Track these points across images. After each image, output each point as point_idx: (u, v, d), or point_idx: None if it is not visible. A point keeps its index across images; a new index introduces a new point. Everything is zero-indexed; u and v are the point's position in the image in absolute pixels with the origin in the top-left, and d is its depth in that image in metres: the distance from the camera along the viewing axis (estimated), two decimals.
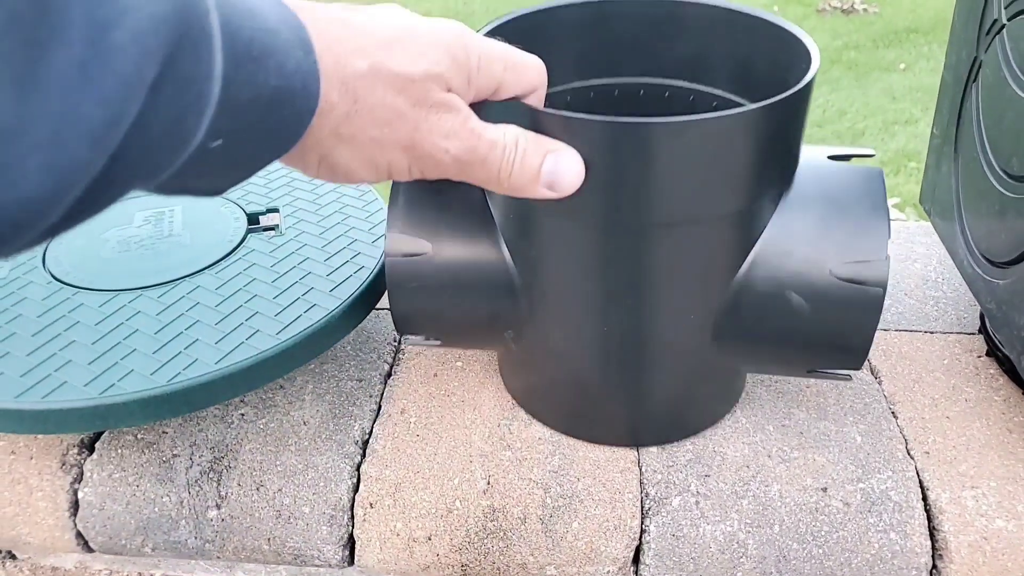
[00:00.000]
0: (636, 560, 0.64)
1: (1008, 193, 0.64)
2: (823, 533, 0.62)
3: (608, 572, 0.64)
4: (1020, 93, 0.63)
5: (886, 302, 0.84)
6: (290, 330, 0.63)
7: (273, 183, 0.83)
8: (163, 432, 0.68)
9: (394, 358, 0.77)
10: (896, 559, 0.62)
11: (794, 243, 0.58)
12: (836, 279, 0.58)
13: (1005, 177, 0.65)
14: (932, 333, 0.81)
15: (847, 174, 0.60)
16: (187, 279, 0.69)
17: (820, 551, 0.62)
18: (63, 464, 0.66)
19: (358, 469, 0.66)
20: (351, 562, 0.67)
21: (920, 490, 0.64)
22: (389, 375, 0.75)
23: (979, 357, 0.77)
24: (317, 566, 0.67)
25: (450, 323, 0.64)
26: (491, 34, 0.60)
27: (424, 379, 0.74)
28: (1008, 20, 0.65)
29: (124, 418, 0.58)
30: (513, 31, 0.63)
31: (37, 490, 0.66)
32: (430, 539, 0.64)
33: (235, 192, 0.82)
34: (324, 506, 0.64)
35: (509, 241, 0.60)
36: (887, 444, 0.68)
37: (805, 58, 0.57)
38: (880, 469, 0.65)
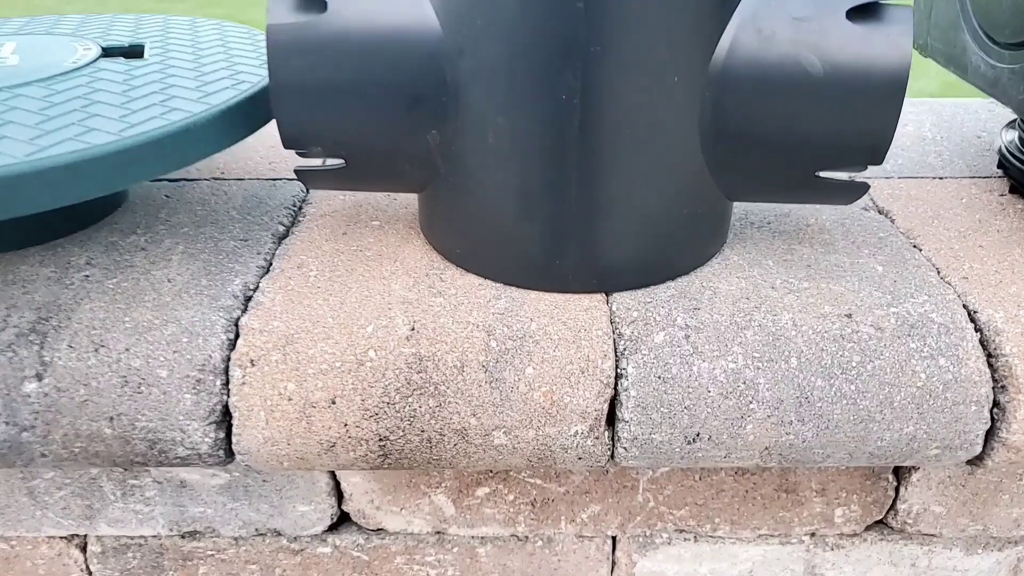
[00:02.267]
0: (612, 419, 0.48)
1: None
2: (854, 364, 0.47)
3: (576, 433, 0.48)
4: None
5: None
6: (136, 130, 0.47)
7: (144, 26, 0.68)
8: None
9: (292, 221, 0.61)
10: (949, 391, 0.47)
11: None
12: (852, 26, 0.45)
13: None
14: (942, 179, 0.68)
15: None
16: (3, 90, 0.52)
17: (852, 387, 0.47)
18: None
19: (236, 324, 0.49)
20: (228, 451, 0.49)
21: (966, 312, 0.50)
22: (284, 237, 0.59)
23: (1002, 195, 0.65)
24: (183, 459, 0.49)
25: (355, 120, 0.49)
26: None
27: (330, 237, 0.58)
28: None
29: None
30: None
31: None
32: (334, 402, 0.47)
33: (95, 32, 0.66)
34: (188, 367, 0.47)
35: None
36: (915, 272, 0.54)
37: None
38: (913, 295, 0.51)
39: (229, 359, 0.47)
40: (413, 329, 0.48)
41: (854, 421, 0.48)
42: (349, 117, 0.49)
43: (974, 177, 0.68)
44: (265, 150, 0.73)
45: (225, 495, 0.59)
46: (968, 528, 0.62)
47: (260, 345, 0.48)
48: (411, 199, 0.64)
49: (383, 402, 0.47)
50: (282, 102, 0.48)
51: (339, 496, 0.60)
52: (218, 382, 0.47)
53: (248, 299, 0.51)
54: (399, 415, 0.47)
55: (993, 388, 0.48)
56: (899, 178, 0.68)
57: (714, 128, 0.47)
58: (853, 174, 0.53)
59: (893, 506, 0.62)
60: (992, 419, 0.48)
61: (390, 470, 0.51)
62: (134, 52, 0.61)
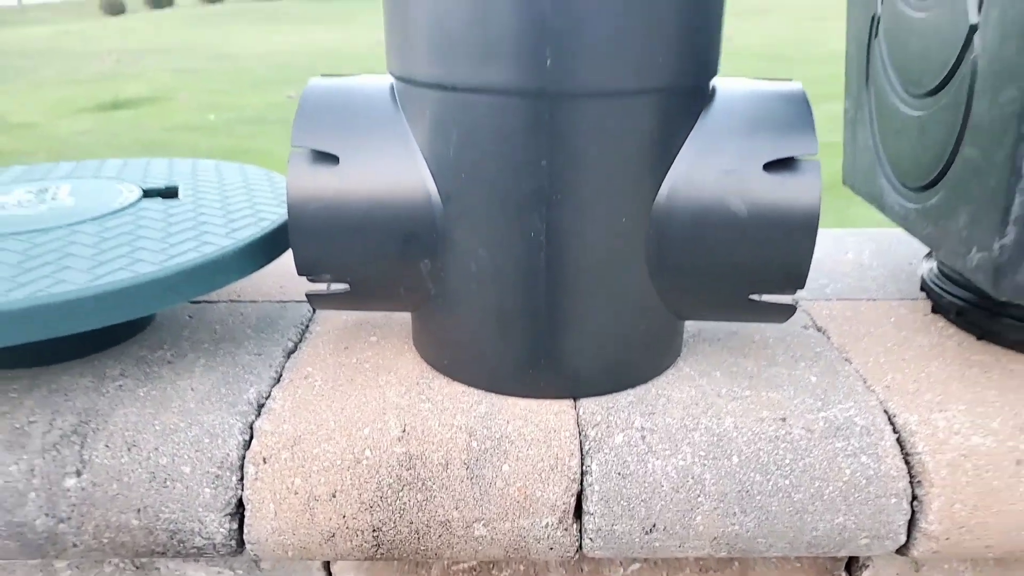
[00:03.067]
0: (579, 510, 0.55)
1: (918, 112, 0.64)
2: (787, 462, 0.55)
3: (547, 525, 0.54)
4: (916, 15, 0.64)
5: (822, 280, 0.81)
6: (177, 260, 0.56)
7: (177, 169, 0.78)
8: (21, 403, 0.58)
9: (300, 337, 0.69)
10: (871, 485, 0.54)
11: (722, 141, 0.55)
12: (769, 176, 0.55)
13: (915, 99, 0.64)
14: (874, 300, 0.77)
15: (770, 87, 0.59)
16: (64, 228, 0.61)
17: (786, 481, 0.54)
18: None
19: (251, 427, 0.56)
20: (240, 543, 0.56)
21: (886, 415, 0.58)
22: (293, 351, 0.67)
23: (925, 315, 0.73)
24: (199, 549, 0.55)
25: (359, 252, 0.58)
26: None
27: (334, 352, 0.66)
28: None
29: None
30: None
31: None
32: (335, 496, 0.54)
33: (136, 176, 0.76)
34: (208, 464, 0.54)
35: (424, 146, 0.56)
36: (844, 382, 0.62)
37: None
38: (840, 401, 0.59)
39: (244, 457, 0.55)
40: (404, 431, 0.55)
41: (790, 512, 0.54)
42: (354, 251, 0.58)
43: (903, 299, 0.77)
44: (276, 276, 0.82)
45: None
46: None
47: (271, 445, 0.55)
48: (405, 317, 0.72)
49: (377, 496, 0.54)
50: (299, 239, 0.58)
51: None
52: (234, 478, 0.54)
53: (261, 405, 0.59)
54: (391, 508, 0.54)
55: (911, 482, 0.55)
56: (838, 300, 0.77)
57: (659, 259, 0.56)
58: (785, 297, 0.61)
59: None
60: (912, 511, 0.55)
61: (381, 560, 0.57)
62: (170, 193, 0.72)
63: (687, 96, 0.55)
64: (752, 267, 0.57)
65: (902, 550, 0.57)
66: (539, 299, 0.56)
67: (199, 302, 0.76)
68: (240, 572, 0.64)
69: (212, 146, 4.63)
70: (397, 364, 0.64)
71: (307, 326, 0.72)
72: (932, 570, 0.65)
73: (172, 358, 0.65)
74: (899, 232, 0.91)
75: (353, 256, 0.58)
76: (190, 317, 0.73)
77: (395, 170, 0.56)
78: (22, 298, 0.50)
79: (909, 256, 0.87)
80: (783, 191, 0.55)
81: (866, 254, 0.89)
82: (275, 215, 0.66)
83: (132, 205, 0.67)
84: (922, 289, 0.75)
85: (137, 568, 0.64)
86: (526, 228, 0.54)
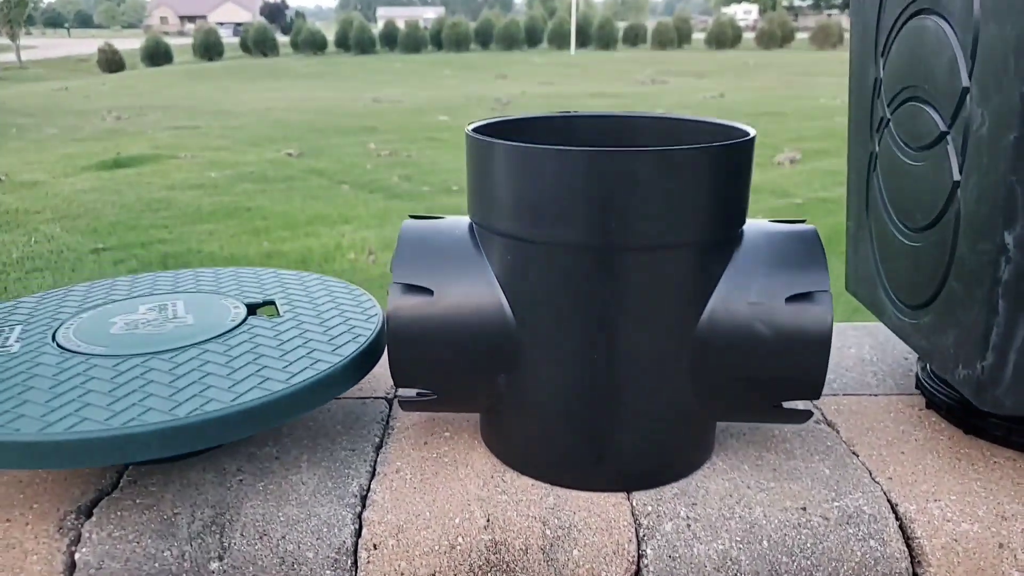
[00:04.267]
0: None
1: (913, 243, 0.76)
2: (808, 545, 0.66)
3: None
4: (909, 163, 0.77)
5: (829, 376, 0.93)
6: (298, 377, 0.67)
7: (265, 280, 0.90)
8: (162, 496, 0.69)
9: (383, 433, 0.81)
10: (879, 565, 0.65)
11: (750, 280, 0.68)
12: (789, 307, 0.67)
13: (909, 231, 0.77)
14: (875, 396, 0.89)
15: (788, 231, 0.71)
16: (195, 346, 0.73)
17: (808, 562, 0.65)
18: (60, 528, 0.66)
19: (359, 517, 0.67)
20: None
21: (889, 505, 0.69)
22: (380, 446, 0.78)
23: (920, 410, 0.85)
24: None
25: (447, 368, 0.70)
26: (479, 131, 0.72)
27: (415, 446, 0.78)
28: (891, 114, 0.81)
29: (142, 450, 0.60)
30: (497, 131, 0.75)
31: (32, 553, 0.64)
32: (435, 574, 0.65)
33: (231, 288, 0.88)
34: (328, 550, 0.65)
35: (503, 280, 0.68)
36: (853, 473, 0.73)
37: (744, 134, 0.71)
38: (851, 491, 0.70)
39: (357, 544, 0.65)
40: (488, 521, 0.66)
41: None
42: (443, 367, 0.70)
43: (900, 394, 0.89)
44: None
45: None
46: None
47: (379, 533, 0.66)
48: (473, 415, 0.83)
49: None
50: (398, 360, 0.69)
51: None
52: (349, 561, 0.65)
53: (364, 497, 0.70)
54: None
55: (912, 562, 0.66)
56: (844, 395, 0.89)
57: (700, 374, 0.68)
58: (802, 403, 0.73)
59: None
60: None
61: None
62: (268, 304, 0.83)
63: (721, 244, 0.67)
64: (776, 380, 0.68)
65: None
66: (598, 407, 0.68)
67: None
68: None
69: (214, 203, 4.77)
70: (471, 458, 0.75)
71: (387, 422, 0.83)
72: None
73: (278, 454, 0.76)
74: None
75: (442, 370, 0.70)
76: None
77: (478, 301, 0.68)
78: (183, 416, 0.61)
79: (904, 351, 1.00)
80: (801, 319, 0.67)
81: (867, 349, 1.01)
82: (367, 330, 0.77)
83: (243, 323, 0.79)
84: (917, 387, 0.87)
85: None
86: (588, 350, 0.66)
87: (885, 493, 0.70)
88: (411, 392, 0.75)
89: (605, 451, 0.70)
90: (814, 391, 0.69)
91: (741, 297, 0.67)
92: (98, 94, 12.81)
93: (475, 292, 0.69)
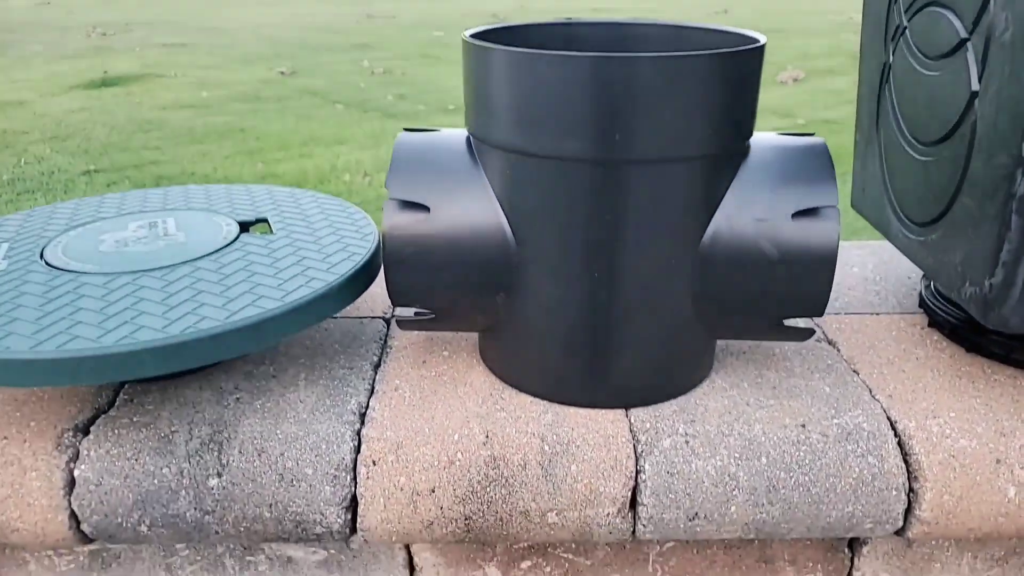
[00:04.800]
0: (633, 503, 0.66)
1: (923, 158, 0.74)
2: (807, 462, 0.66)
3: (608, 514, 0.66)
4: (924, 73, 0.74)
5: (832, 294, 0.92)
6: (293, 295, 0.66)
7: (257, 197, 0.88)
8: (159, 414, 0.69)
9: (382, 352, 0.80)
10: (876, 481, 0.66)
11: (757, 193, 0.66)
12: (795, 223, 0.66)
13: (921, 146, 0.75)
14: (877, 314, 0.88)
15: (796, 144, 0.69)
16: (187, 264, 0.71)
17: (806, 478, 0.66)
18: (58, 445, 0.66)
19: (358, 434, 0.67)
20: (353, 528, 0.67)
21: (888, 422, 0.69)
22: (378, 365, 0.77)
23: (922, 329, 0.85)
24: (318, 535, 0.66)
25: (445, 287, 0.69)
26: (478, 35, 0.69)
27: (414, 365, 0.77)
28: (908, 21, 0.77)
29: (136, 367, 0.59)
30: (496, 39, 0.72)
31: (31, 470, 0.64)
32: (434, 491, 0.65)
33: (223, 205, 0.86)
34: (327, 466, 0.65)
35: (501, 195, 0.66)
36: (853, 391, 0.73)
37: (754, 41, 0.68)
38: (850, 409, 0.70)
39: (356, 460, 0.65)
40: (487, 437, 0.66)
41: (809, 503, 0.66)
42: (441, 286, 0.68)
43: (903, 313, 0.88)
44: None
45: (322, 569, 0.76)
46: None
47: (379, 450, 0.66)
48: (471, 334, 0.83)
49: (468, 491, 0.65)
50: (394, 278, 0.68)
51: (411, 568, 0.76)
52: (348, 477, 0.65)
53: (363, 415, 0.69)
54: (480, 500, 0.65)
55: (908, 478, 0.66)
56: (845, 314, 0.88)
57: (702, 291, 0.67)
58: (805, 320, 0.72)
59: (850, 574, 0.79)
60: (909, 500, 0.67)
61: (469, 543, 0.68)
62: (261, 221, 0.81)
63: (728, 157, 0.65)
64: (780, 298, 0.67)
65: (899, 532, 0.68)
66: (599, 326, 0.67)
67: None
68: (332, 551, 0.75)
69: (207, 124, 4.68)
70: (470, 377, 0.75)
71: (386, 341, 0.82)
72: (922, 546, 0.77)
73: (276, 372, 0.75)
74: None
75: (440, 290, 0.69)
76: None
77: (477, 218, 0.67)
78: (177, 333, 0.60)
79: (908, 270, 0.98)
80: (807, 236, 0.65)
81: (870, 267, 1.00)
82: (362, 248, 0.76)
83: (236, 240, 0.77)
84: (920, 305, 0.87)
85: (245, 548, 0.75)
86: (590, 268, 0.65)
87: (884, 410, 0.70)
88: (409, 312, 0.74)
89: (604, 368, 0.69)
90: (818, 309, 0.68)
91: (747, 213, 0.66)
92: (81, 7, 12.42)
93: (473, 209, 0.67)
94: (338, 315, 0.87)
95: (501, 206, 0.67)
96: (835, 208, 0.67)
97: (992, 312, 0.65)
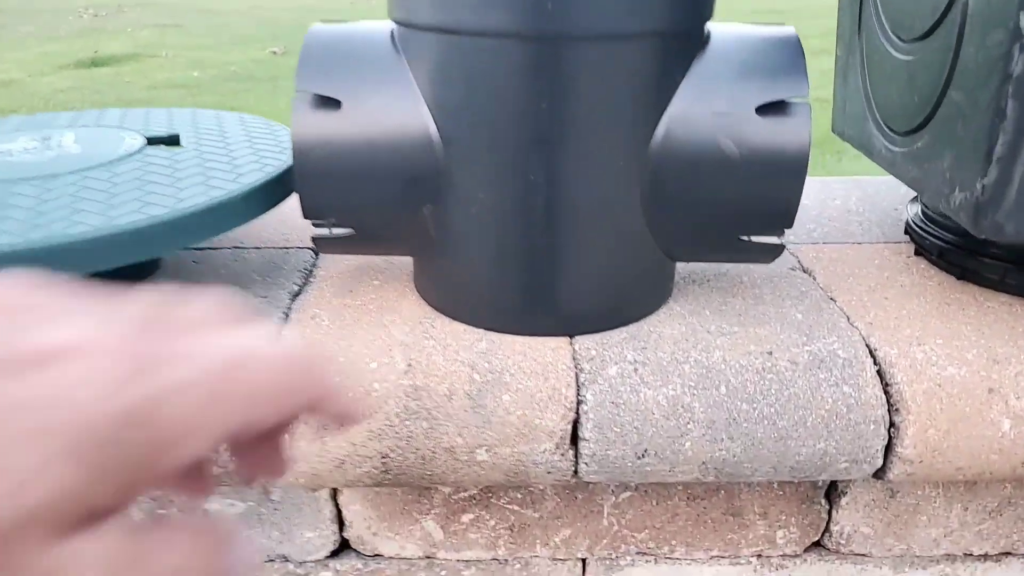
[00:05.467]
0: (575, 438, 0.58)
1: (908, 57, 0.66)
2: (772, 392, 0.58)
3: (545, 451, 0.57)
4: None
5: (809, 225, 0.84)
6: (186, 203, 0.58)
7: (177, 118, 0.79)
8: None
9: (305, 281, 0.72)
10: (852, 413, 0.58)
11: (716, 84, 0.57)
12: (761, 119, 0.57)
13: (905, 44, 0.66)
14: (860, 244, 0.80)
15: (763, 32, 0.61)
16: (74, 174, 0.63)
17: (772, 410, 0.57)
18: None
19: None
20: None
21: (868, 349, 0.61)
22: (298, 294, 0.69)
23: (908, 257, 0.76)
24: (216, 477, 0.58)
25: (363, 197, 0.60)
26: None
27: (337, 294, 0.69)
28: None
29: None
30: None
31: None
32: None
33: (137, 124, 0.78)
34: None
35: (426, 89, 0.57)
36: (829, 318, 0.65)
37: None
38: (825, 336, 0.62)
39: None
40: (410, 365, 0.58)
41: (775, 438, 0.58)
42: (358, 194, 0.60)
43: (887, 242, 0.79)
44: (279, 224, 0.84)
45: (241, 522, 0.68)
46: (894, 548, 0.71)
47: None
48: (406, 261, 0.74)
49: (385, 425, 0.57)
50: (304, 182, 0.59)
51: (340, 524, 0.69)
52: None
53: None
54: (398, 436, 0.57)
55: (889, 410, 0.58)
56: (824, 244, 0.80)
57: (654, 199, 0.59)
58: (774, 238, 0.64)
59: (827, 528, 0.71)
60: (889, 436, 0.58)
61: (388, 486, 0.60)
62: (172, 141, 0.73)
63: (682, 40, 0.57)
64: (743, 206, 0.59)
65: (879, 473, 0.60)
66: (537, 239, 0.59)
67: (204, 248, 0.78)
68: (251, 503, 0.67)
69: (198, 103, 4.59)
70: (400, 306, 0.67)
71: (311, 271, 0.74)
72: (906, 496, 0.69)
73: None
74: (887, 180, 0.94)
75: (357, 199, 0.60)
76: (196, 263, 0.75)
77: (397, 114, 0.58)
78: (39, 239, 0.52)
79: (895, 202, 0.90)
80: (774, 133, 0.57)
81: (853, 200, 0.91)
82: (278, 161, 0.67)
83: (138, 152, 0.69)
84: (906, 232, 0.78)
85: (153, 500, 0.67)
86: (525, 170, 0.56)
87: (864, 338, 0.62)
88: (328, 231, 0.66)
89: (545, 291, 0.61)
90: (786, 220, 0.60)
91: (704, 106, 0.57)
92: None
93: (394, 104, 0.58)
94: (263, 246, 0.79)
95: (426, 102, 0.58)
96: (806, 104, 0.58)
97: (985, 219, 0.56)
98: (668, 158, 0.57)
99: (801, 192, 0.58)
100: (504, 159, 0.57)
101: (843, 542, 0.71)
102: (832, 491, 0.69)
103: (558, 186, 0.57)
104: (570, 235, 0.59)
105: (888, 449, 0.59)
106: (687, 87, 0.57)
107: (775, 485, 0.69)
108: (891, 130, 0.71)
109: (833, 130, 0.85)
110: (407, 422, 0.57)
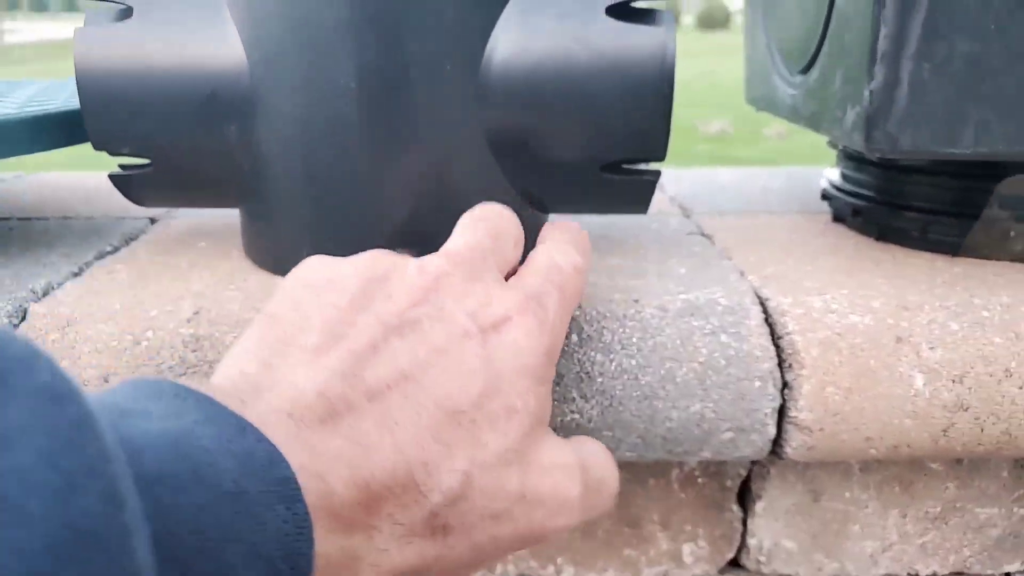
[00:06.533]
0: None
1: None
2: (634, 341, 0.47)
3: None
4: None
5: (719, 199, 0.75)
6: None
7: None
8: None
9: (123, 244, 0.62)
10: (732, 367, 0.47)
11: None
12: (615, 21, 0.49)
13: None
14: (772, 213, 0.70)
15: None
16: None
17: (632, 363, 0.47)
18: None
19: (25, 311, 0.49)
20: None
21: (757, 299, 0.51)
22: (110, 255, 0.60)
23: (825, 224, 0.67)
24: None
25: (156, 117, 0.51)
26: None
27: (152, 252, 0.59)
28: None
29: None
30: None
31: None
32: (107, 380, 0.46)
33: None
34: None
35: None
36: (717, 273, 0.55)
37: None
38: (707, 286, 0.52)
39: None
40: (196, 313, 0.48)
41: (638, 397, 0.47)
42: (150, 115, 0.51)
43: (804, 212, 0.70)
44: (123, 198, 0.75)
45: None
46: (825, 566, 0.60)
47: (40, 327, 0.47)
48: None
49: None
50: (89, 103, 0.51)
51: None
52: None
53: (47, 294, 0.51)
54: None
55: (779, 365, 0.48)
56: (734, 214, 0.70)
57: (499, 128, 0.50)
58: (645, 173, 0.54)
59: (744, 543, 0.59)
60: (783, 399, 0.48)
61: None
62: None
63: None
64: (599, 129, 0.50)
65: (775, 450, 0.50)
66: (363, 174, 0.49)
67: (31, 218, 0.69)
68: None
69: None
70: (219, 264, 0.57)
71: (137, 237, 0.64)
72: (832, 500, 0.58)
73: None
74: (819, 170, 0.85)
75: (149, 122, 0.51)
76: (11, 230, 0.66)
77: (194, 19, 0.50)
78: None
79: (817, 186, 0.81)
80: (629, 37, 0.48)
81: (776, 183, 0.83)
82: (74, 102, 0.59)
83: None
84: (823, 199, 0.69)
85: None
86: (336, 78, 0.48)
87: (755, 290, 0.52)
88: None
89: (374, 239, 0.51)
90: (653, 146, 0.51)
91: (543, 10, 0.49)
92: None
93: (192, 7, 0.50)
94: (97, 216, 0.69)
95: (227, 5, 0.50)
96: (669, 11, 0.50)
97: (876, 130, 0.47)
98: (507, 71, 0.49)
99: (667, 109, 0.49)
100: (310, 67, 0.48)
101: (763, 559, 0.59)
102: (745, 494, 0.58)
103: (377, 100, 0.48)
104: (403, 167, 0.49)
105: (781, 415, 0.48)
106: None
107: (674, 485, 0.58)
108: (790, 73, 0.62)
109: (746, 100, 0.77)
110: (182, 377, 0.46)
